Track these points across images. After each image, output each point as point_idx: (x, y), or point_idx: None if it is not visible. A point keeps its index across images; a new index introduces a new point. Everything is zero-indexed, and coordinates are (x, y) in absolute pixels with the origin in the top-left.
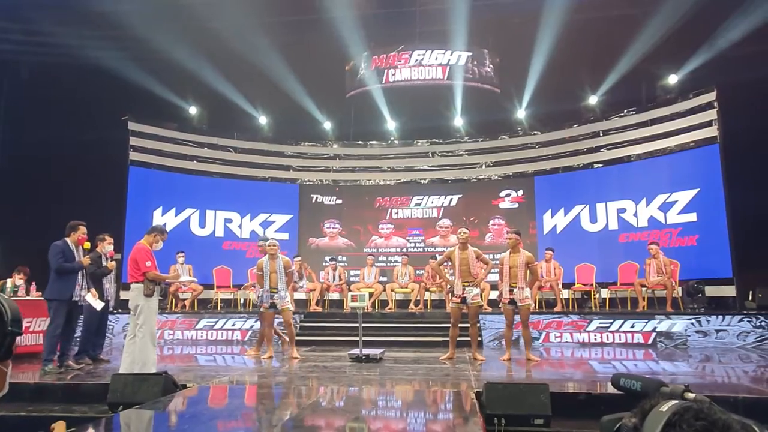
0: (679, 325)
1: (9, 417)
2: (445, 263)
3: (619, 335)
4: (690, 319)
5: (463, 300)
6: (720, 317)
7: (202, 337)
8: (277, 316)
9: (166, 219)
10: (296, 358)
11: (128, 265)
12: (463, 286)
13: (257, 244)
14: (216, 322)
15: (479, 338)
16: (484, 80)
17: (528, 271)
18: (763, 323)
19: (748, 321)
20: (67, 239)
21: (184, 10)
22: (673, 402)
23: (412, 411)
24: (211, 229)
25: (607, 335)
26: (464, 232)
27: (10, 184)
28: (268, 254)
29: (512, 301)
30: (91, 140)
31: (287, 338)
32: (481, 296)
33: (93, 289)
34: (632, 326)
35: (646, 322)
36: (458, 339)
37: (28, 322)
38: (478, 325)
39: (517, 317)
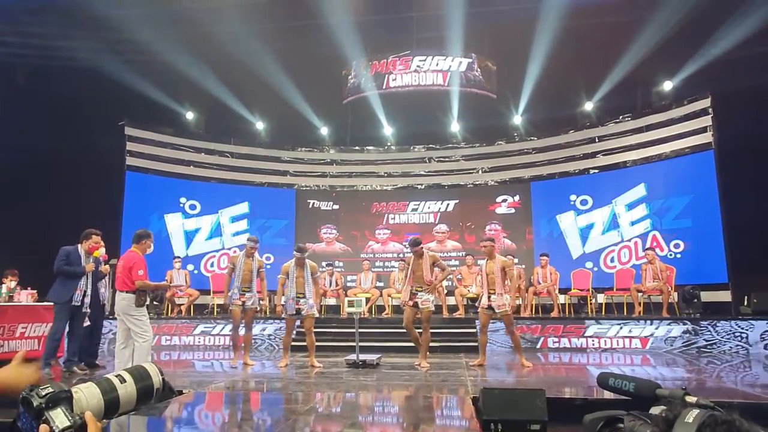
0: (675, 330)
1: (2, 423)
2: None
3: (617, 340)
4: (619, 325)
5: (416, 304)
6: (649, 323)
7: (199, 343)
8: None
9: (162, 224)
10: (317, 366)
11: (121, 272)
12: (415, 291)
13: (247, 244)
14: (213, 327)
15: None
16: (481, 86)
17: (506, 277)
18: (690, 328)
19: (675, 325)
20: (79, 245)
21: (181, 15)
22: (697, 411)
23: (408, 417)
24: (207, 234)
25: (605, 341)
26: (416, 242)
27: (5, 188)
28: (296, 261)
29: (490, 308)
30: (88, 145)
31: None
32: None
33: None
34: (630, 331)
35: (644, 327)
36: (448, 345)
37: (24, 328)
38: (430, 330)
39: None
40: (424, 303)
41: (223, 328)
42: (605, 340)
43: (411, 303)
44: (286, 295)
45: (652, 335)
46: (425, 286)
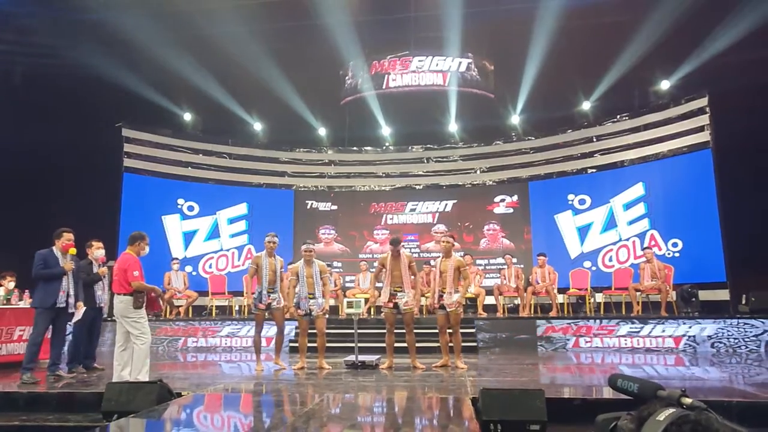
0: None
1: (2, 427)
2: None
3: (650, 340)
4: (652, 324)
5: (396, 306)
6: (599, 321)
7: (226, 344)
8: (268, 321)
9: (160, 225)
10: (326, 368)
11: (117, 275)
12: (395, 291)
13: (267, 242)
14: (240, 329)
15: (440, 345)
16: (479, 86)
17: (460, 276)
18: (638, 327)
19: (624, 324)
20: (54, 247)
21: (178, 16)
22: (671, 411)
23: (408, 418)
24: (205, 235)
25: (638, 340)
26: (397, 240)
27: (1, 190)
28: (304, 260)
29: (443, 307)
30: (85, 147)
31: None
32: (476, 301)
33: (80, 302)
34: (663, 331)
35: (678, 326)
36: (431, 345)
37: (22, 330)
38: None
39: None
40: (406, 305)
41: (250, 329)
42: (638, 340)
43: (391, 305)
44: (297, 295)
45: (685, 335)
46: (404, 286)
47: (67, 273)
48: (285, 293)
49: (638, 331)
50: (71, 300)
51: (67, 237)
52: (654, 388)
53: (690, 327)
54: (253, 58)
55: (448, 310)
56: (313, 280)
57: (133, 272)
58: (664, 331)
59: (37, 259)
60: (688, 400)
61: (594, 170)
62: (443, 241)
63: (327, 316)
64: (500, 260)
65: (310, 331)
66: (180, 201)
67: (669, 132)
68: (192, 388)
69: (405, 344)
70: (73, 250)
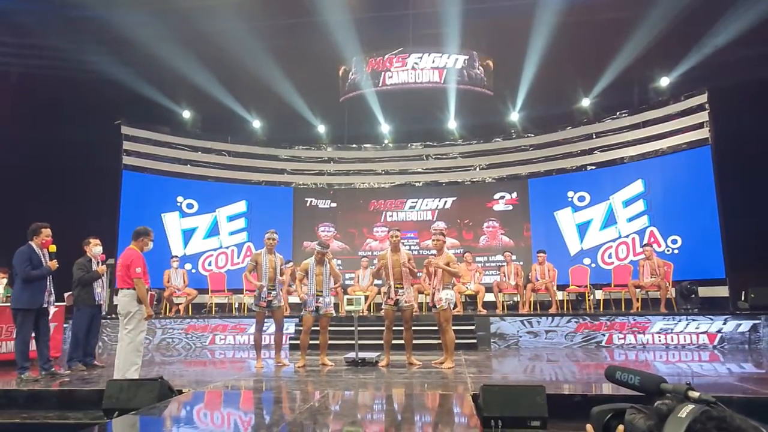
0: (745, 325)
1: (2, 424)
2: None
3: (684, 336)
4: (522, 320)
5: (396, 302)
6: (549, 318)
7: (252, 342)
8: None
9: (159, 223)
10: (328, 365)
11: (120, 270)
12: (396, 288)
13: (267, 239)
14: (268, 327)
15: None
16: (478, 83)
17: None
18: (671, 323)
19: (575, 321)
20: (32, 243)
21: (177, 13)
22: (692, 407)
23: (409, 414)
24: (205, 233)
25: (672, 336)
26: (395, 235)
27: (0, 188)
28: (315, 257)
29: (435, 305)
30: (84, 144)
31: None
32: (476, 298)
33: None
34: (697, 327)
35: (712, 322)
36: (430, 342)
37: None
38: (413, 329)
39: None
40: (407, 301)
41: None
42: (672, 336)
43: (392, 301)
44: (306, 292)
45: (719, 331)
46: (404, 283)
47: (52, 272)
48: (296, 285)
49: (672, 328)
50: (52, 299)
51: (46, 233)
52: (657, 381)
53: (724, 323)
54: (252, 56)
55: (438, 307)
56: (323, 278)
57: (135, 269)
58: (698, 327)
59: (21, 258)
60: (695, 394)
61: (593, 167)
62: (434, 239)
63: (333, 314)
64: (500, 257)
65: (312, 328)
66: (179, 198)
67: (668, 129)
68: (192, 385)
69: (402, 341)
70: (53, 247)
